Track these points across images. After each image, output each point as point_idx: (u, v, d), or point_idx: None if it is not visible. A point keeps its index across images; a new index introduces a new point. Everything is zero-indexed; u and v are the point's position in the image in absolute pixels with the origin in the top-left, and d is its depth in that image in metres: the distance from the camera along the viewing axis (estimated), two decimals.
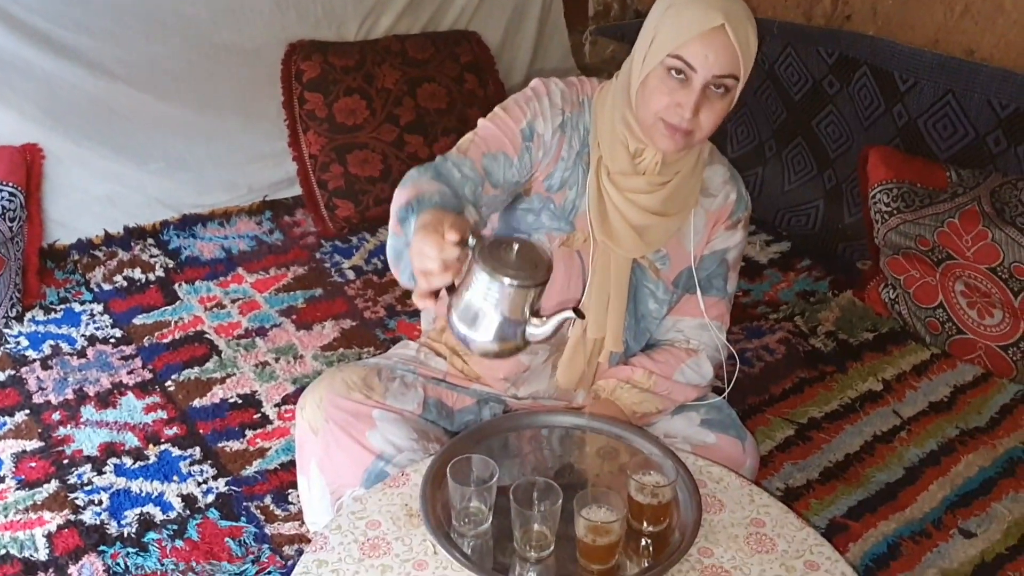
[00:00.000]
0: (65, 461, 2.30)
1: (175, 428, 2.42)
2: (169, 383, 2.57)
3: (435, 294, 1.45)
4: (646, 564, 1.55)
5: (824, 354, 2.82)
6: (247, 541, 2.11)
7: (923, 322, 2.86)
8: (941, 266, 2.76)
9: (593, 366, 1.97)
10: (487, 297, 1.43)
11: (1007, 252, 2.59)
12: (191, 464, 2.32)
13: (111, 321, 2.79)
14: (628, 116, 1.77)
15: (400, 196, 1.62)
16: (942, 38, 3.06)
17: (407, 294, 2.96)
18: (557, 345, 1.95)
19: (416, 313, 2.82)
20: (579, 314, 1.46)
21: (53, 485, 2.22)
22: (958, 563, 2.14)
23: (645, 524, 1.59)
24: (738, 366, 2.03)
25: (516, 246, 1.44)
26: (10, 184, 2.78)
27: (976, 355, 2.76)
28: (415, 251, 1.43)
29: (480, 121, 1.83)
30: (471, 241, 1.42)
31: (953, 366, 2.78)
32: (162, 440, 2.38)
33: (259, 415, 2.48)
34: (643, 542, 1.59)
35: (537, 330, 1.46)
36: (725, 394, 2.03)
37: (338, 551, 1.54)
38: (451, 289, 1.47)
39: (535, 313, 1.46)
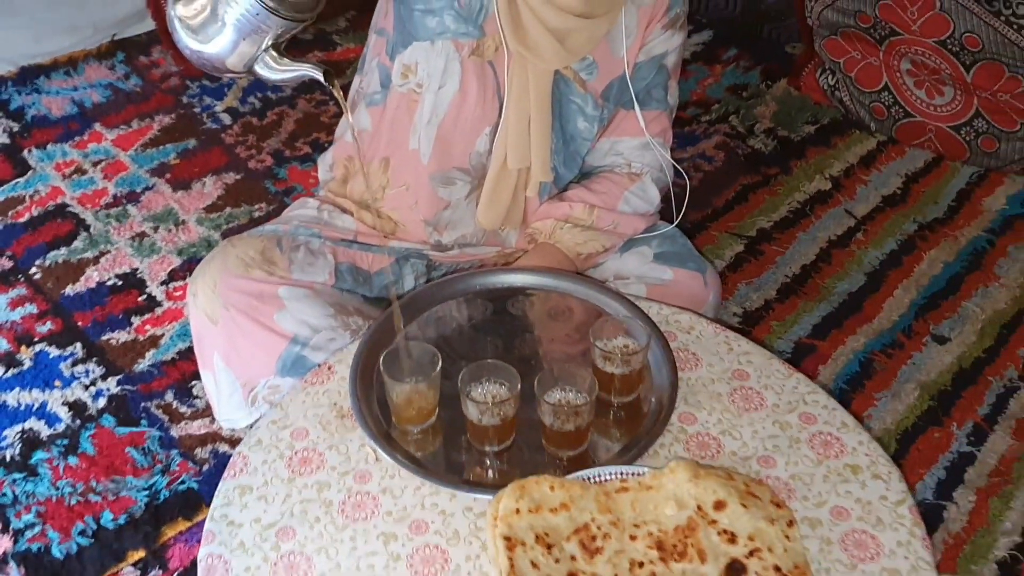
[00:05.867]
0: None
1: (49, 323, 2.14)
2: (34, 270, 2.27)
3: None
4: (622, 443, 1.37)
5: (765, 155, 2.67)
6: (152, 448, 1.88)
7: (867, 108, 2.73)
8: (884, 43, 2.60)
9: (520, 201, 1.79)
10: (228, 4, 1.22)
11: (957, 22, 2.44)
12: (74, 364, 2.05)
13: None
14: None
15: None
16: None
17: (294, 136, 2.69)
18: (479, 178, 1.75)
19: (308, 158, 2.52)
20: (328, 78, 1.25)
21: None
22: (936, 373, 2.06)
23: (614, 395, 1.41)
24: (688, 187, 1.85)
25: None
26: None
27: (926, 139, 2.67)
28: None
29: None
30: None
31: (902, 153, 2.68)
32: (36, 339, 2.11)
33: (144, 297, 2.21)
34: (614, 414, 1.41)
35: (268, 71, 1.27)
36: (676, 221, 1.86)
37: (263, 472, 1.32)
38: None
39: (278, 49, 1.26)
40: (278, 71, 1.27)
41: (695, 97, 2.89)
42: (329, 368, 1.47)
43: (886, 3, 2.53)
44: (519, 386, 1.31)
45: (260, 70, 1.27)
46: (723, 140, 2.69)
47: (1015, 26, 2.35)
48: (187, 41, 1.27)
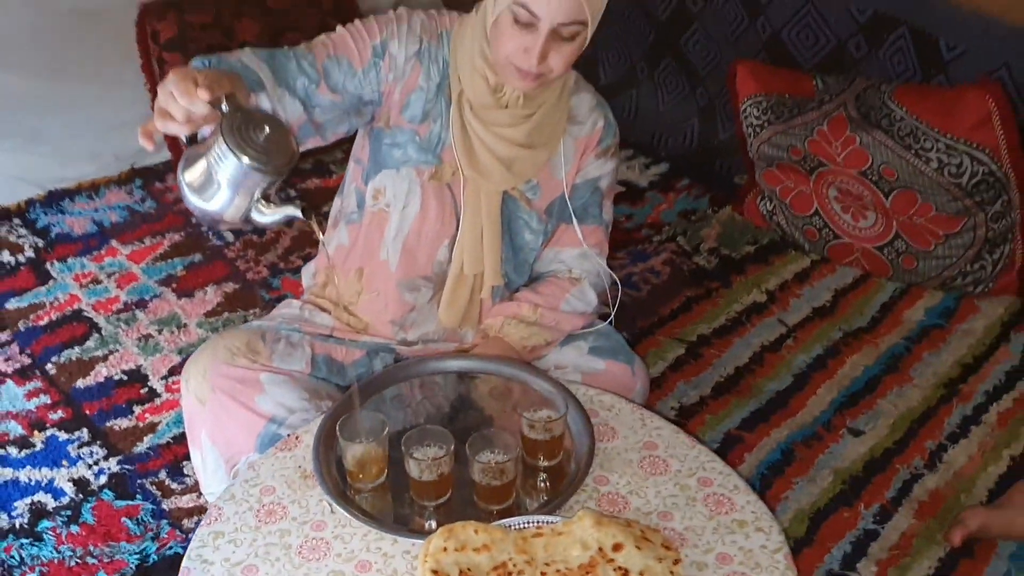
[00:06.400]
0: None
1: (60, 412, 2.33)
2: (50, 366, 2.47)
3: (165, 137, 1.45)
4: (544, 498, 1.55)
5: (708, 271, 2.84)
6: (145, 519, 2.06)
7: (801, 230, 2.89)
8: (814, 174, 2.77)
9: (476, 302, 1.96)
10: (222, 169, 1.41)
11: (875, 155, 2.61)
12: (80, 447, 2.24)
13: None
14: (486, 50, 1.74)
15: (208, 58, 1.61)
16: None
17: (289, 251, 2.90)
18: (440, 284, 1.93)
19: (300, 269, 2.76)
20: (306, 214, 1.45)
21: None
22: (849, 461, 2.20)
23: (540, 459, 1.59)
24: (620, 291, 2.04)
25: (268, 129, 1.42)
26: None
27: (854, 258, 2.81)
28: (164, 89, 1.41)
29: (337, 27, 1.80)
30: (224, 107, 1.40)
31: (833, 270, 2.83)
32: (48, 425, 2.30)
33: (146, 389, 2.41)
34: (540, 477, 1.59)
35: (261, 216, 1.46)
36: (610, 319, 2.04)
37: (234, 521, 1.51)
38: (192, 139, 1.45)
39: (266, 198, 1.45)
40: (268, 216, 1.47)
41: (650, 220, 3.06)
42: (296, 438, 1.66)
43: (814, 139, 2.70)
44: (453, 447, 1.50)
45: (254, 217, 1.47)
46: (670, 257, 2.85)
47: (923, 158, 2.53)
48: (193, 201, 1.46)
